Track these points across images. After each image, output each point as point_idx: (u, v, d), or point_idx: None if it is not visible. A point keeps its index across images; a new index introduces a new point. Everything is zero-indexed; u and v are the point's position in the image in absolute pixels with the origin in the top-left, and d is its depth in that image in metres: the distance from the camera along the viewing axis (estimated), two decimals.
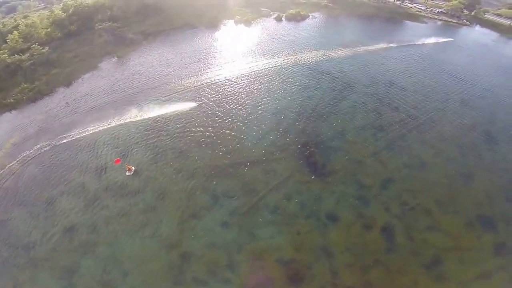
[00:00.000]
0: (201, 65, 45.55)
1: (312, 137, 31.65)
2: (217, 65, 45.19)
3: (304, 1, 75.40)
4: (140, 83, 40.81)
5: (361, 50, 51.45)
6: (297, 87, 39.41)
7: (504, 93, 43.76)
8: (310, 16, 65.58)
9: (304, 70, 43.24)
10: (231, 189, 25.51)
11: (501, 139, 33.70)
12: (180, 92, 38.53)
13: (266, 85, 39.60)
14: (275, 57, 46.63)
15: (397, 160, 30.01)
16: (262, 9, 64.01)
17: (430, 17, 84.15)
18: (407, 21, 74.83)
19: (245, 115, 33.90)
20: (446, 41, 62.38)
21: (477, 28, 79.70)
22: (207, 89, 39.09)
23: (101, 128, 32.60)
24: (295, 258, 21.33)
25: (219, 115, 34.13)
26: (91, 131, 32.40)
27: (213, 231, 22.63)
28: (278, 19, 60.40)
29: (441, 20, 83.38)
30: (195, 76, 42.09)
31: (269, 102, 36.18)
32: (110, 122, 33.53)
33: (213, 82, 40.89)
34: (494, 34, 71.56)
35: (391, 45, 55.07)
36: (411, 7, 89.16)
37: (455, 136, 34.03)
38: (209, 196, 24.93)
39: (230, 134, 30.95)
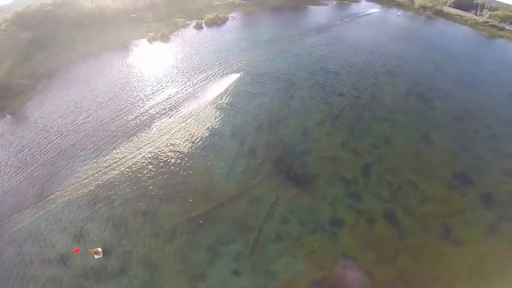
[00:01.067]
0: (122, 101, 36.24)
1: (280, 148, 29.38)
2: (142, 96, 36.96)
3: (219, 2, 71.92)
4: (52, 143, 30.91)
5: (286, 43, 51.43)
6: (244, 98, 36.34)
7: (413, 57, 50.26)
8: (230, 18, 62.68)
9: (244, 77, 40.16)
10: (223, 235, 21.36)
11: (433, 96, 38.28)
12: (109, 141, 30.11)
13: (210, 105, 35.24)
14: (209, 70, 42.08)
15: (364, 143, 30.56)
16: (177, 19, 57.87)
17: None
18: (311, 7, 79.44)
19: (202, 148, 29.00)
20: (349, 20, 69.62)
21: (363, 2, 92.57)
22: (140, 131, 31.17)
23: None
24: (324, 276, 19.33)
25: (172, 159, 27.80)
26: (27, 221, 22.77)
27: (227, 284, 18.57)
28: (198, 27, 55.38)
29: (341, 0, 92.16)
30: (120, 117, 33.58)
31: (222, 124, 32.07)
32: (36, 205, 24.13)
33: (145, 119, 33.04)
34: (378, 6, 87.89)
35: (308, 32, 57.45)
36: None
37: (398, 104, 37.11)
38: (204, 251, 20.27)
39: (195, 177, 25.92)
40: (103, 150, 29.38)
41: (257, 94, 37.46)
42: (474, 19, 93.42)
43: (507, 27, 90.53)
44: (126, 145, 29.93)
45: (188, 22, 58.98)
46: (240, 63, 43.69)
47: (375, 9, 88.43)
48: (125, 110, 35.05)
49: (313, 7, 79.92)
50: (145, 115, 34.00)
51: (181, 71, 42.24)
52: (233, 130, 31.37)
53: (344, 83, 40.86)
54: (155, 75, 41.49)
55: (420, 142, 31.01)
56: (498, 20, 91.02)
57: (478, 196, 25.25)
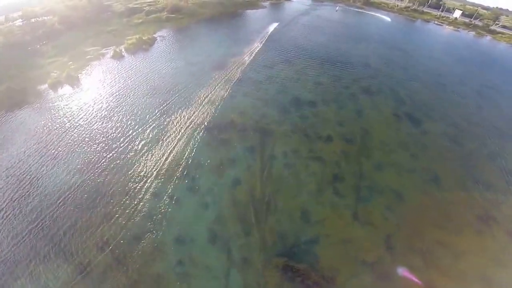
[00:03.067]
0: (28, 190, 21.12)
1: (280, 246, 19.20)
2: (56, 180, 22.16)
3: (140, 20, 57.14)
4: None
5: (236, 63, 40.90)
6: (210, 168, 24.57)
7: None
8: (158, 38, 49.09)
9: (201, 133, 27.34)
10: None
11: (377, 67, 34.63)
12: None
13: (158, 180, 22.87)
14: (145, 128, 27.58)
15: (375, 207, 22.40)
16: (88, 49, 42.11)
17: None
18: (250, 11, 70.90)
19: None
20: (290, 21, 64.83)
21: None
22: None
23: None
24: None
25: None
26: None
27: None
28: (117, 57, 40.70)
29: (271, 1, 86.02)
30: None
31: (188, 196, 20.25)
32: None
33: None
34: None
35: (258, 44, 48.14)
36: None
37: (355, 80, 34.98)
38: None
39: None
40: None
41: (227, 161, 25.27)
42: (397, 5, 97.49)
43: (426, 10, 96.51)
44: None
45: (103, 51, 43.47)
46: (187, 111, 30.12)
47: (309, 5, 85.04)
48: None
49: (252, 12, 71.21)
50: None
51: (105, 137, 26.31)
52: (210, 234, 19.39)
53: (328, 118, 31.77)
54: (64, 146, 25.36)
55: (427, 183, 24.40)
56: (417, 4, 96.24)
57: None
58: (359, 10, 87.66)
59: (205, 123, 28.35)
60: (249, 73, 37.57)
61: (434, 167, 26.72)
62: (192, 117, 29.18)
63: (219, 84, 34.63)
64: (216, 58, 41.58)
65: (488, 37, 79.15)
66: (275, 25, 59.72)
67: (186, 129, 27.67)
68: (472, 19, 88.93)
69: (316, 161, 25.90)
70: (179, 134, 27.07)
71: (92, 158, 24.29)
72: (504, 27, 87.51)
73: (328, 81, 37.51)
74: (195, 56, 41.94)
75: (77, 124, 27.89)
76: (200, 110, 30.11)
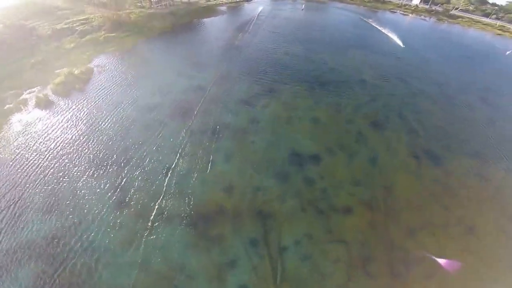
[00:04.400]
0: None
1: None
2: None
3: (72, 44, 44.46)
4: None
5: (204, 101, 31.87)
6: None
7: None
8: (95, 69, 37.58)
9: (179, 231, 18.69)
10: None
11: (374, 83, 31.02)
12: None
13: None
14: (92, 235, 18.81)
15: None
16: (3, 94, 30.26)
17: (223, 3, 74.83)
18: (206, 19, 60.93)
19: None
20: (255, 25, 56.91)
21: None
22: None
23: None
24: None
25: None
26: None
27: None
28: (43, 105, 29.56)
29: (230, 3, 76.91)
30: None
31: None
32: None
33: None
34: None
35: (225, 66, 39.35)
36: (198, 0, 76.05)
37: (356, 108, 27.00)
38: None
39: None
40: None
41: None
42: None
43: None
44: None
45: (25, 95, 31.46)
46: (148, 196, 20.66)
47: (270, 5, 77.46)
48: None
49: (210, 20, 61.27)
50: None
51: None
52: None
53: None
54: None
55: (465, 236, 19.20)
56: None
57: None
58: (322, 4, 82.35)
59: (183, 214, 19.50)
60: (224, 117, 28.85)
61: (469, 216, 21.70)
62: (162, 205, 20.05)
63: (189, 144, 25.37)
64: (178, 95, 31.96)
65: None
66: (240, 36, 50.86)
67: (155, 226, 18.61)
68: (430, 4, 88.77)
69: (337, 244, 19.33)
70: (146, 236, 18.07)
71: None
72: (462, 10, 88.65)
73: (325, 116, 30.42)
74: (149, 96, 31.79)
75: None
76: (170, 193, 20.99)
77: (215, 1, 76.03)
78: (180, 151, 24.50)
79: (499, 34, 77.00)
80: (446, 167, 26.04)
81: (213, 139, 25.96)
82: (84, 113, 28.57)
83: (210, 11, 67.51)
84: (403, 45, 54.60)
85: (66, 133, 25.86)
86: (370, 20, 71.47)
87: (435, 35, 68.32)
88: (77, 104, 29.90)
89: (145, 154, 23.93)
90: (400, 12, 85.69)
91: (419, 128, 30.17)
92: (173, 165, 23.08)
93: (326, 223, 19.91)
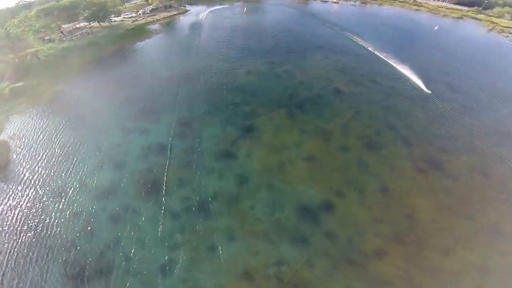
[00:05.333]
0: None
1: None
2: None
3: None
4: None
5: (173, 160, 25.70)
6: None
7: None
8: (11, 143, 28.32)
9: None
10: None
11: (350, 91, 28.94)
12: None
13: None
14: None
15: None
16: None
17: (154, 20, 65.62)
18: (139, 43, 52.14)
19: None
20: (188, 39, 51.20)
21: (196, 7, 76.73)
22: None
23: None
24: None
25: None
26: None
27: None
28: None
29: (163, 19, 68.16)
30: None
31: None
32: None
33: None
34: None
35: (172, 126, 31.74)
36: (123, 20, 65.38)
37: (344, 127, 25.21)
38: None
39: None
40: None
41: None
42: None
43: None
44: None
45: None
46: None
47: (209, 14, 71.02)
48: None
49: (143, 44, 52.49)
50: None
51: None
52: None
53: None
54: None
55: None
56: None
57: None
58: (258, 3, 79.40)
59: None
60: (205, 183, 23.29)
61: (493, 219, 20.81)
62: None
63: (176, 230, 19.66)
64: (134, 165, 24.92)
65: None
66: (187, 59, 43.70)
67: None
68: None
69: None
70: None
71: None
72: None
73: (317, 149, 26.96)
74: (97, 172, 24.26)
75: None
76: None
77: (144, 20, 66.13)
78: (168, 242, 18.14)
79: (417, 10, 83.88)
80: (450, 172, 25.20)
81: (202, 218, 20.02)
82: (14, 230, 19.42)
83: (141, 33, 58.09)
84: (350, 35, 54.55)
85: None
86: (309, 14, 70.77)
87: (369, 19, 70.76)
88: None
89: (126, 257, 16.97)
90: (331, 0, 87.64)
91: (410, 136, 28.93)
92: (167, 264, 16.88)
93: (364, 273, 17.59)
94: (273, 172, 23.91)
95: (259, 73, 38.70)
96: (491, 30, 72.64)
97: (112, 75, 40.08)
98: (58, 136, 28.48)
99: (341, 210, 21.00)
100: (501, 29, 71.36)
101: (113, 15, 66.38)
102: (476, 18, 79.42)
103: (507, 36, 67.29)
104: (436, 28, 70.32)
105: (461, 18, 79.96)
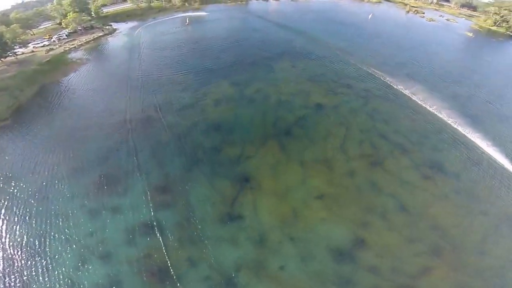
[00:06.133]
0: None
1: None
2: None
3: None
4: None
5: (169, 246, 20.46)
6: None
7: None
8: None
9: None
10: None
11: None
12: None
13: None
14: None
15: None
16: None
17: (75, 47, 54.35)
18: (65, 78, 42.63)
19: None
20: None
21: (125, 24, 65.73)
22: None
23: None
24: None
25: None
26: None
27: None
28: None
29: (86, 43, 57.26)
30: None
31: None
32: None
33: None
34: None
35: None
36: (33, 51, 52.54)
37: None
38: None
39: None
40: None
41: None
42: None
43: None
44: None
45: None
46: None
47: (144, 34, 62.21)
48: None
49: (67, 80, 42.74)
50: None
51: None
52: None
53: None
54: None
55: None
56: None
57: None
58: (201, 13, 72.33)
59: None
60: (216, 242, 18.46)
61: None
62: None
63: None
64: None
65: None
66: (130, 101, 36.06)
67: None
68: None
69: None
70: None
71: None
72: None
73: (325, 182, 24.85)
74: None
75: None
76: None
77: (61, 47, 53.89)
78: None
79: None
80: (451, 171, 25.85)
81: None
82: None
83: (61, 65, 47.05)
84: (304, 35, 53.66)
85: None
86: (255, 16, 67.86)
87: (310, 15, 71.62)
88: None
89: None
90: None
91: (403, 142, 28.71)
92: None
93: None
94: (289, 221, 20.95)
95: (229, 100, 34.08)
96: (408, 12, 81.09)
97: (39, 135, 30.52)
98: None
99: (373, 241, 19.99)
100: (415, 10, 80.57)
101: (17, 46, 52.42)
102: (389, 1, 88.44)
103: (423, 17, 76.53)
104: (370, 16, 74.83)
105: (380, 2, 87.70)
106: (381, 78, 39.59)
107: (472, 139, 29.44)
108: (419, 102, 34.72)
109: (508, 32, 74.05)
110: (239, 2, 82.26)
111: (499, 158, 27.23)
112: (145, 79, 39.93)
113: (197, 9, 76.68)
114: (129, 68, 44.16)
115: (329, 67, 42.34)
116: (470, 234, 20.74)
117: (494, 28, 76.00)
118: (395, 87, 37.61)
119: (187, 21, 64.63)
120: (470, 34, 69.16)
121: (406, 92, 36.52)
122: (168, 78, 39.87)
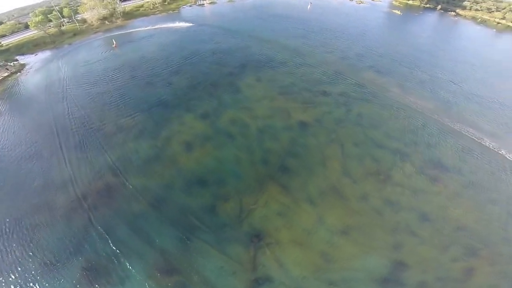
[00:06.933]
0: None
1: None
2: None
3: None
4: None
5: None
6: None
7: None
8: None
9: None
10: None
11: None
12: None
13: None
14: None
15: None
16: None
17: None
18: None
19: None
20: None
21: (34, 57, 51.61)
22: None
23: None
24: None
25: None
26: None
27: None
28: None
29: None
30: None
31: None
32: None
33: None
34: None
35: None
36: None
37: None
38: None
39: None
40: None
41: None
42: (154, 3, 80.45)
43: None
44: None
45: None
46: None
47: (65, 60, 50.90)
48: None
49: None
50: None
51: None
52: None
53: None
54: None
55: None
56: None
57: None
58: (125, 32, 61.63)
59: None
60: None
61: None
62: None
63: None
64: None
65: None
66: (72, 186, 27.98)
67: None
68: None
69: None
70: None
71: None
72: None
73: (343, 213, 22.07)
74: None
75: None
76: None
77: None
78: None
79: None
80: (454, 168, 25.64)
81: None
82: None
83: None
84: (257, 39, 49.70)
85: None
86: (198, 25, 60.92)
87: (252, 13, 67.89)
88: None
89: None
90: (206, 2, 79.58)
91: (398, 146, 27.68)
92: None
93: None
94: (322, 267, 18.41)
95: (203, 141, 28.50)
96: None
97: None
98: None
99: (411, 259, 18.97)
100: None
101: None
102: None
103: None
104: (309, 7, 74.46)
105: None
106: (350, 78, 38.10)
107: (456, 128, 29.73)
108: (395, 97, 34.12)
109: (422, 5, 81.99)
110: (171, 12, 73.29)
111: (488, 142, 27.88)
112: (82, 131, 31.17)
113: (122, 27, 65.37)
114: (54, 117, 34.28)
115: (295, 73, 39.41)
116: (491, 225, 21.20)
117: (410, 2, 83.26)
118: (367, 85, 36.48)
119: (114, 42, 54.02)
120: (399, 12, 74.08)
121: (380, 88, 35.66)
122: (113, 124, 31.77)
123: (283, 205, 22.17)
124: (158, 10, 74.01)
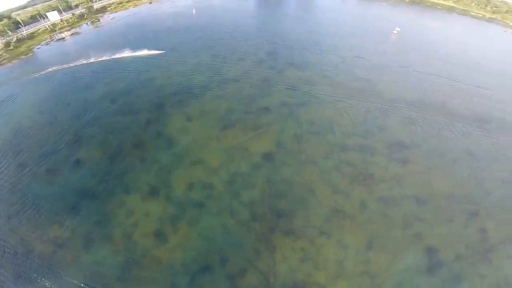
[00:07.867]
0: None
1: None
2: None
3: None
4: None
5: None
6: None
7: None
8: None
9: None
10: None
11: None
12: None
13: None
14: None
15: None
16: None
17: None
18: None
19: None
20: None
21: None
22: None
23: None
24: None
25: None
26: None
27: None
28: None
29: None
30: None
31: None
32: None
33: None
34: None
35: None
36: None
37: None
38: None
39: None
40: None
41: None
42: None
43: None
44: None
45: None
46: None
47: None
48: None
49: None
50: None
51: None
52: None
53: None
54: None
55: None
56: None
57: None
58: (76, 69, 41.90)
59: None
60: None
61: None
62: None
63: None
64: None
65: None
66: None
67: None
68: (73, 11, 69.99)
69: None
70: None
71: None
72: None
73: (363, 242, 20.90)
74: None
75: None
76: None
77: None
78: None
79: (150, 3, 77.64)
80: (408, 141, 27.91)
81: None
82: None
83: None
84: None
85: None
86: (67, 66, 46.28)
87: (151, 27, 57.49)
88: None
89: None
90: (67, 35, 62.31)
91: (359, 141, 28.72)
92: None
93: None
94: (373, 286, 18.44)
95: (169, 221, 22.04)
96: None
97: None
98: None
99: (433, 241, 20.79)
100: None
101: None
102: None
103: None
104: (194, 11, 68.92)
105: None
106: (279, 83, 36.74)
107: (386, 106, 32.75)
108: (327, 89, 34.91)
109: None
110: (23, 56, 53.77)
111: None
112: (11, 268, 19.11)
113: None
114: None
115: (224, 96, 35.55)
116: (468, 184, 24.82)
117: None
118: (298, 85, 35.99)
119: (91, 65, 36.06)
120: None
121: (309, 85, 35.76)
122: (39, 241, 20.68)
123: (300, 250, 19.88)
124: (3, 59, 52.94)
